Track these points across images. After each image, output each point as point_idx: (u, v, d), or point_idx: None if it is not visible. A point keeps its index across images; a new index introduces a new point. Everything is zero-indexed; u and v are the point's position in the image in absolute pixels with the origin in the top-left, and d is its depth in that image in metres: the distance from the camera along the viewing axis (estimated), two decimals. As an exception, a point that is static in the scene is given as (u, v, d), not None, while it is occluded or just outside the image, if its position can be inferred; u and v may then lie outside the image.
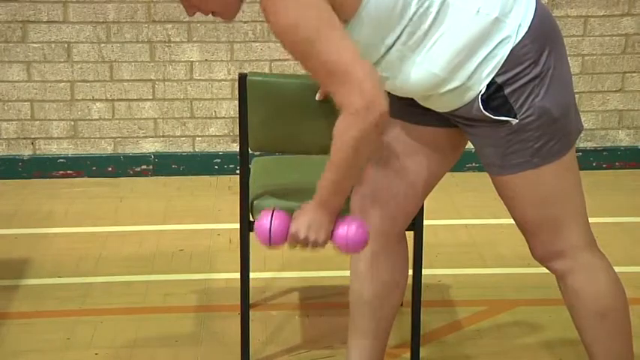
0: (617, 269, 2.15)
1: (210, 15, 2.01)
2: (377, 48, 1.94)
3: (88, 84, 4.12)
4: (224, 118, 4.21)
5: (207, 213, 3.79)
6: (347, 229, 1.96)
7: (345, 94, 1.83)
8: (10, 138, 4.16)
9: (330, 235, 1.98)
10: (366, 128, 1.83)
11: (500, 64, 1.93)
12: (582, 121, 2.12)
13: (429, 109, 2.09)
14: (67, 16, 4.03)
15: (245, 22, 4.07)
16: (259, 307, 2.97)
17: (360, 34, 1.91)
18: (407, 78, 1.97)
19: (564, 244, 2.08)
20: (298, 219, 1.98)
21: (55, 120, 4.16)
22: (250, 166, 2.63)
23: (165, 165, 4.22)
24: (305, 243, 1.97)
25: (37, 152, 4.19)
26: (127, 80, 4.13)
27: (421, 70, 1.96)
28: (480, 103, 1.96)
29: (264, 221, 1.97)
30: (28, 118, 4.14)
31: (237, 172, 2.56)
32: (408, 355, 2.64)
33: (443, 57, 1.93)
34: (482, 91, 1.95)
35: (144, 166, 4.21)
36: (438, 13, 1.91)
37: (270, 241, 1.97)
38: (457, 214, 3.78)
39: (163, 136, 4.22)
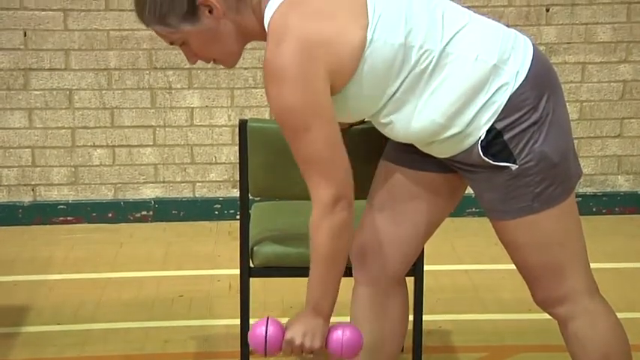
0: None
1: (211, 62, 2.04)
2: (379, 99, 1.96)
3: (89, 130, 4.14)
4: (224, 163, 4.22)
5: (207, 258, 3.78)
6: (342, 334, 1.99)
7: (318, 185, 1.92)
8: (10, 185, 4.17)
9: (325, 341, 2.00)
10: (339, 220, 1.92)
11: (500, 111, 1.95)
12: (582, 166, 2.13)
13: (428, 155, 2.10)
14: (68, 63, 4.06)
15: (245, 69, 4.09)
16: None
17: (360, 91, 1.93)
18: (408, 125, 1.98)
19: (566, 289, 2.08)
20: (293, 326, 1.99)
21: (56, 166, 4.17)
22: (250, 211, 2.63)
23: (165, 211, 4.22)
24: (300, 349, 1.99)
25: (38, 199, 4.19)
26: (128, 126, 4.15)
27: (422, 117, 1.97)
28: (480, 149, 1.97)
29: (259, 330, 1.98)
30: (29, 164, 4.15)
31: (238, 217, 2.56)
32: (409, 402, 2.63)
33: (443, 104, 1.94)
34: (482, 137, 1.96)
35: (144, 212, 4.21)
36: (438, 61, 1.93)
37: (266, 350, 1.99)
38: (457, 259, 3.77)
39: (164, 182, 4.23)
